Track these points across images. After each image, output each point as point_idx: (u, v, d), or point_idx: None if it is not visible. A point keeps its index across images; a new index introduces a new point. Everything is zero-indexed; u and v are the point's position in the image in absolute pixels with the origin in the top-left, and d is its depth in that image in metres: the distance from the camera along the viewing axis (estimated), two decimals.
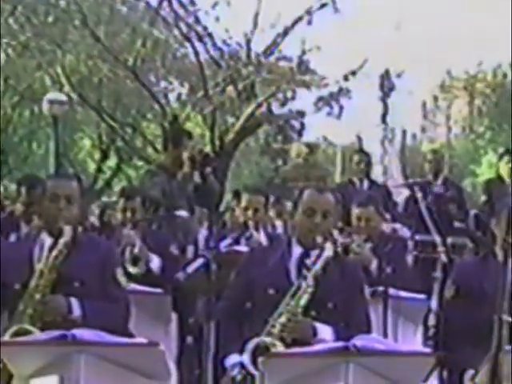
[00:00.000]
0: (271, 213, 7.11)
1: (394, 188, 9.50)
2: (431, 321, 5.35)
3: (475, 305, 4.11)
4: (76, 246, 4.14)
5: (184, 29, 16.34)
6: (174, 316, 5.67)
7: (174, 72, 17.72)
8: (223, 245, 5.79)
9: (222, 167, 15.39)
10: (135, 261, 5.75)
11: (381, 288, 5.13)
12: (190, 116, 17.32)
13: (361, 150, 10.01)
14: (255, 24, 16.26)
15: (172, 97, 18.43)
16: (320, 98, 17.31)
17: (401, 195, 8.83)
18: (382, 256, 5.48)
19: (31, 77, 17.54)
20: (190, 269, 4.59)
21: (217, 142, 16.52)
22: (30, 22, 15.72)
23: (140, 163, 20.18)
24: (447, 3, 38.70)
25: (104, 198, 17.08)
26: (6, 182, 20.89)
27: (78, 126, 22.26)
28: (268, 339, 3.96)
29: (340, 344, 3.54)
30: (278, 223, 7.51)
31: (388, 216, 7.16)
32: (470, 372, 3.95)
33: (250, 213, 6.04)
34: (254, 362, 3.87)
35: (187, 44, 16.81)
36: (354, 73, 16.19)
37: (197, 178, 7.26)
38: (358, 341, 3.53)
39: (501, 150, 10.84)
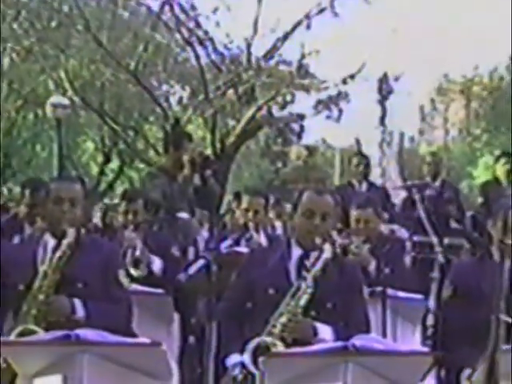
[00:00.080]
0: (271, 214, 7.15)
1: (392, 190, 9.55)
2: (429, 321, 5.36)
3: (472, 305, 4.13)
4: (79, 248, 4.18)
5: (185, 33, 16.33)
6: (176, 316, 5.71)
7: (175, 76, 17.72)
8: (224, 246, 5.80)
9: (222, 169, 15.41)
10: (137, 263, 5.78)
11: (379, 288, 5.14)
12: (191, 119, 17.31)
13: (359, 153, 10.06)
14: (255, 29, 16.26)
15: (173, 100, 18.43)
16: (319, 102, 17.31)
17: (399, 197, 8.88)
18: (380, 257, 5.50)
19: (35, 81, 17.58)
20: (191, 270, 4.59)
21: (218, 145, 16.54)
22: (34, 27, 15.72)
23: (142, 166, 20.18)
24: (443, 7, 38.73)
25: (106, 200, 17.08)
26: (10, 184, 21.02)
27: (81, 129, 22.25)
28: (269, 339, 3.98)
29: (339, 344, 3.55)
30: (278, 224, 7.56)
31: (386, 217, 7.19)
32: (467, 371, 3.96)
33: (250, 214, 6.07)
34: (255, 362, 3.88)
35: (188, 48, 16.79)
36: (352, 76, 16.19)
37: (197, 180, 7.32)
38: (357, 340, 3.54)
39: (497, 152, 10.86)
